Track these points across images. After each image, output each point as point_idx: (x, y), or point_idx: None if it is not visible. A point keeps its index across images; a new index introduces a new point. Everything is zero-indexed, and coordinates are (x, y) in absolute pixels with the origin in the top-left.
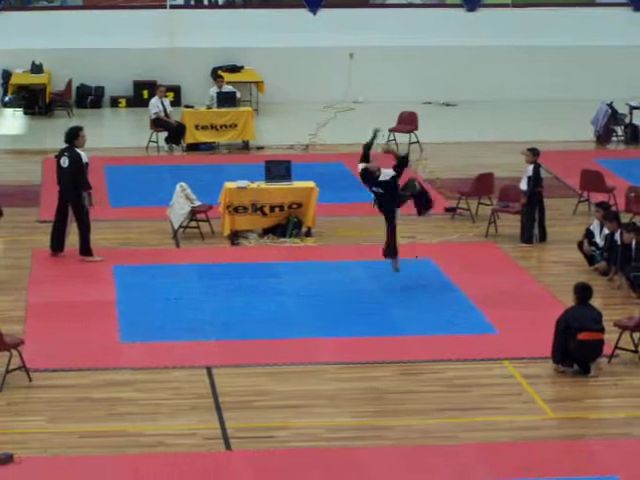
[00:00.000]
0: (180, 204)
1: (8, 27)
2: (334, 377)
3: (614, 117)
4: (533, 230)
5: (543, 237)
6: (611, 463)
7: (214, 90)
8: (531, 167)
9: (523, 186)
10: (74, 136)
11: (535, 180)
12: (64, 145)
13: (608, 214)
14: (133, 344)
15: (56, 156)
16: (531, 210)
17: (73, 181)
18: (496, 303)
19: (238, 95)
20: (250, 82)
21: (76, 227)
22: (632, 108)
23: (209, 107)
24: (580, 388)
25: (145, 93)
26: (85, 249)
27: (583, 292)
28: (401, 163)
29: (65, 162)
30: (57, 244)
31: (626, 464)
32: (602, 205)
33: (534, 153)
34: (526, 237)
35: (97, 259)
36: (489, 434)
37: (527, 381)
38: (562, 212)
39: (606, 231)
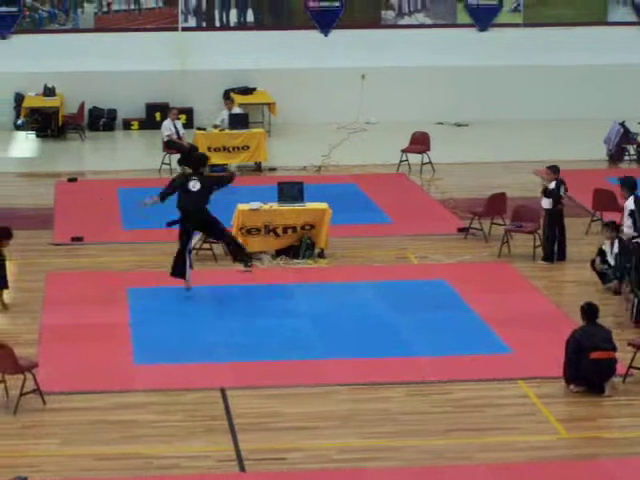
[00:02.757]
0: None
1: (20, 50)
2: (346, 398)
3: (626, 136)
4: (553, 248)
5: (562, 256)
6: None
7: (225, 113)
8: (553, 184)
9: (545, 205)
10: (203, 164)
11: (555, 197)
12: (180, 170)
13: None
14: (147, 366)
15: (175, 180)
16: (552, 228)
17: (204, 203)
18: (509, 323)
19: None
20: (262, 104)
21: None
22: None
23: (216, 127)
24: (594, 408)
25: (157, 115)
26: (245, 256)
27: (589, 311)
28: None
29: (196, 186)
30: (180, 270)
31: None
32: (609, 225)
33: (554, 171)
34: (546, 255)
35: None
36: (503, 454)
37: (541, 401)
38: (575, 231)
39: (616, 250)
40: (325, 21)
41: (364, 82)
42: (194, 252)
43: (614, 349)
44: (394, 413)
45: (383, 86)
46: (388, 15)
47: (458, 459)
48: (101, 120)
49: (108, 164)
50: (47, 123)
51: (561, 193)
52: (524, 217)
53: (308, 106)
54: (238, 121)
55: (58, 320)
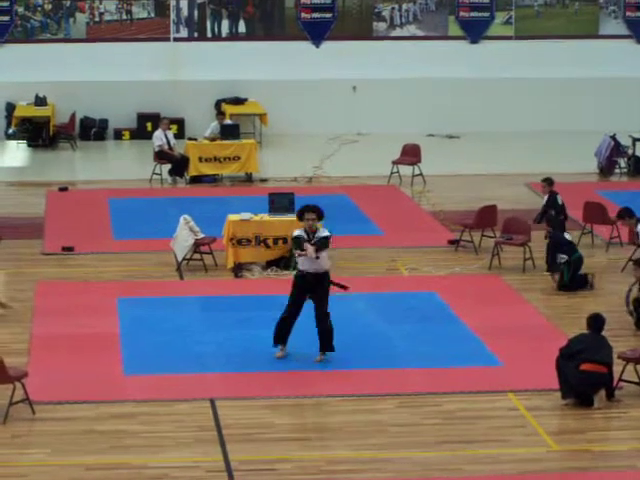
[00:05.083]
0: (184, 236)
1: (12, 59)
2: (336, 410)
3: (617, 149)
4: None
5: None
6: None
7: (214, 125)
8: (546, 197)
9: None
10: None
11: (554, 209)
12: None
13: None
14: (137, 376)
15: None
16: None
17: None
18: (500, 335)
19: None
20: (253, 114)
21: None
22: (635, 140)
23: (206, 138)
24: (584, 420)
25: (149, 125)
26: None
27: (594, 322)
28: None
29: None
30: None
31: None
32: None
33: (548, 183)
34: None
35: None
36: (492, 467)
37: (531, 413)
38: None
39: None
40: (317, 32)
41: (355, 93)
42: (185, 262)
43: (608, 365)
44: (385, 425)
45: (374, 97)
46: (380, 27)
47: (448, 471)
48: (92, 130)
49: (99, 174)
50: (38, 132)
51: (559, 202)
52: (514, 229)
53: (299, 117)
54: (229, 131)
55: (48, 330)
